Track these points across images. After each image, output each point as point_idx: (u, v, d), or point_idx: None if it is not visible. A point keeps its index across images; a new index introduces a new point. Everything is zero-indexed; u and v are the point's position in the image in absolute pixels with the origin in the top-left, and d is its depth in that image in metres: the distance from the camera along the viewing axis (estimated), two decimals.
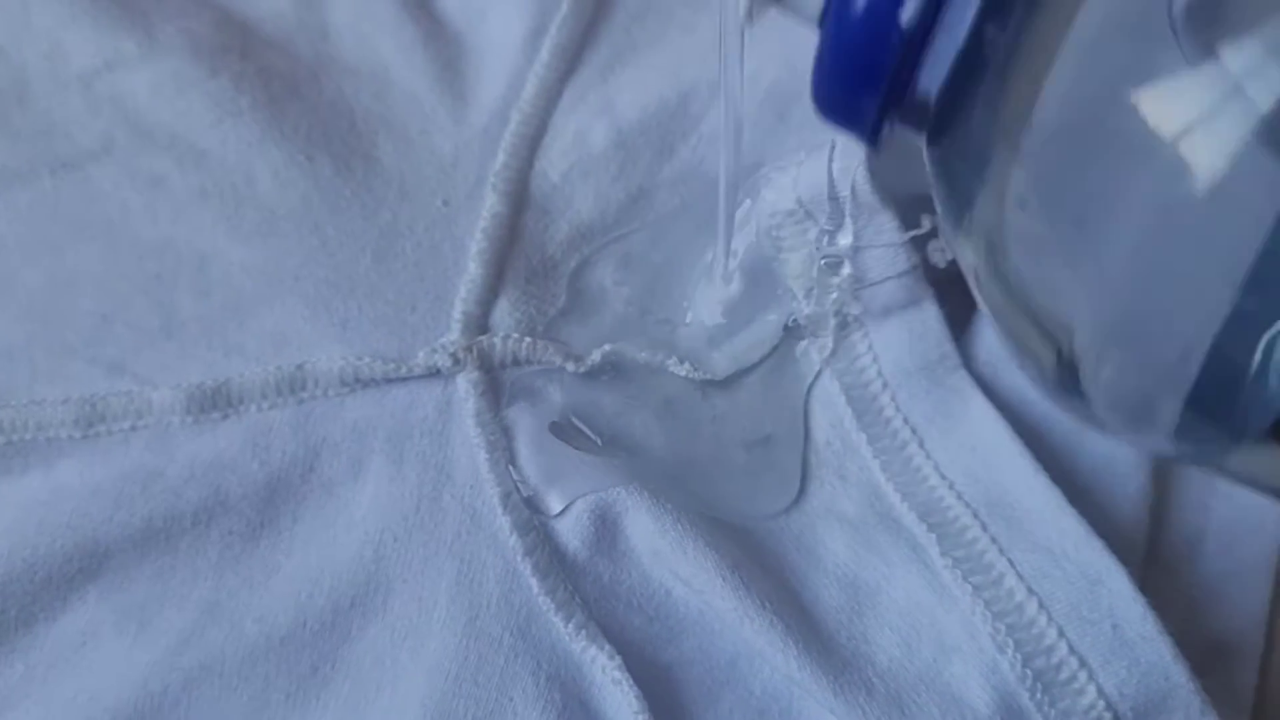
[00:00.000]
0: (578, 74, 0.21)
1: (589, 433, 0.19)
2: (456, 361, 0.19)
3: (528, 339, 0.19)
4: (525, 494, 0.18)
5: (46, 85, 0.20)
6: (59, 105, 0.20)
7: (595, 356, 0.19)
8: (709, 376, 0.20)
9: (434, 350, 0.19)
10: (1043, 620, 0.17)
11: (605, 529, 0.18)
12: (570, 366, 0.19)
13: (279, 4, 0.22)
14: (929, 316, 0.19)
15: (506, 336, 0.19)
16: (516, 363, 0.19)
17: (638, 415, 0.19)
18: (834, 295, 0.19)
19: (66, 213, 0.20)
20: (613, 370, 0.19)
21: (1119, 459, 0.19)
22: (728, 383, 0.20)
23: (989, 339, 0.20)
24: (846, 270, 0.19)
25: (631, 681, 0.16)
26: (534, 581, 0.17)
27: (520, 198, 0.20)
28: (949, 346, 0.19)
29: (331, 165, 0.20)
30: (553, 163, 0.21)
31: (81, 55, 0.20)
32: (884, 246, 0.19)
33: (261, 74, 0.21)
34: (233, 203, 0.20)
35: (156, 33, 0.21)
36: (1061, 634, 0.16)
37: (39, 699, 0.18)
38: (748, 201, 0.20)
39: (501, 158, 0.20)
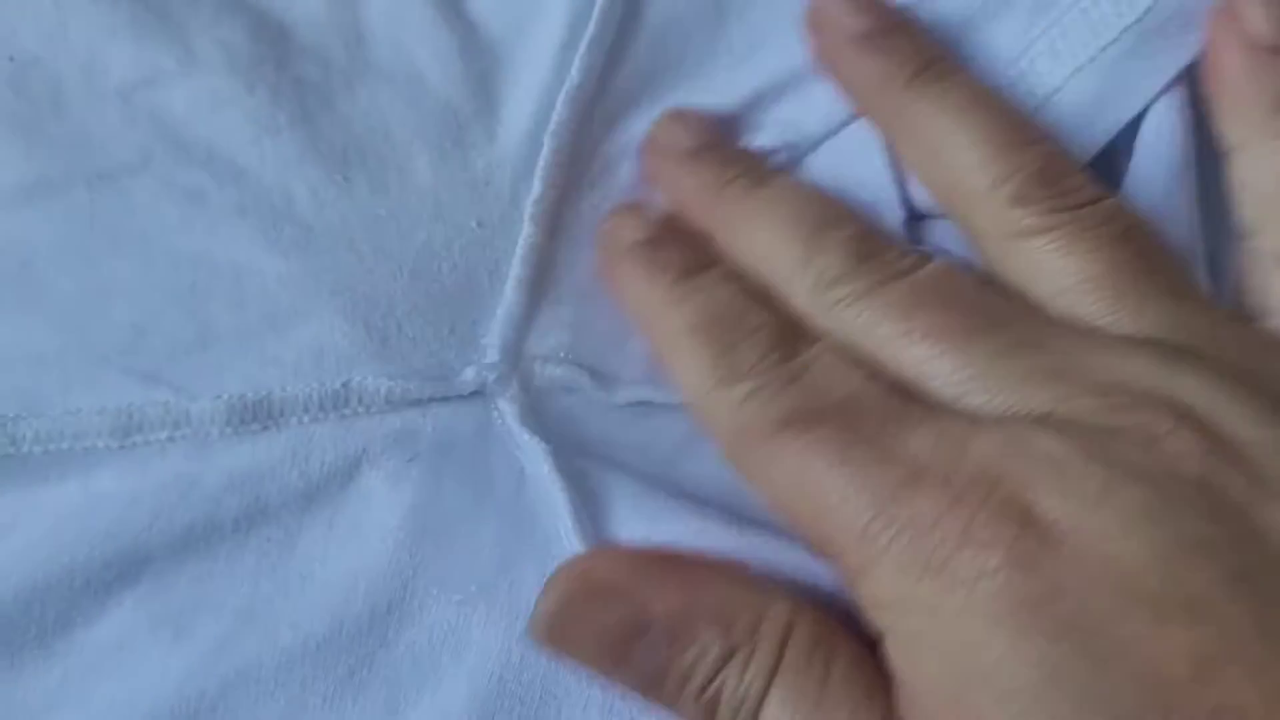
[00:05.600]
0: (606, 98, 0.23)
1: (621, 462, 0.21)
2: (500, 382, 0.21)
3: (566, 367, 0.21)
4: (578, 491, 0.20)
5: (83, 97, 0.22)
6: (96, 117, 0.22)
7: (625, 395, 0.21)
8: None
9: (480, 370, 0.21)
10: None
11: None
12: (603, 397, 0.21)
13: (313, 5, 0.23)
14: None
15: (546, 361, 0.21)
16: (554, 388, 0.21)
17: (663, 450, 0.21)
18: None
19: (102, 224, 0.21)
20: (645, 405, 0.22)
21: None
22: None
23: None
24: None
25: None
26: None
27: (556, 225, 0.22)
28: None
29: (368, 184, 0.22)
30: (583, 192, 0.23)
31: (120, 69, 0.22)
32: None
33: (297, 86, 0.22)
34: (270, 219, 0.21)
35: (194, 46, 0.22)
36: None
37: (76, 703, 0.19)
38: None
39: (539, 187, 0.22)
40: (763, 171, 0.22)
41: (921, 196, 0.22)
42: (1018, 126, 0.20)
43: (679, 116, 0.23)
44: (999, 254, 0.20)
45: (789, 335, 0.19)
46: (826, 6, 0.22)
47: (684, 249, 0.21)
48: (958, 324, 0.18)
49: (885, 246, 0.20)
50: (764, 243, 0.20)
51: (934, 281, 0.19)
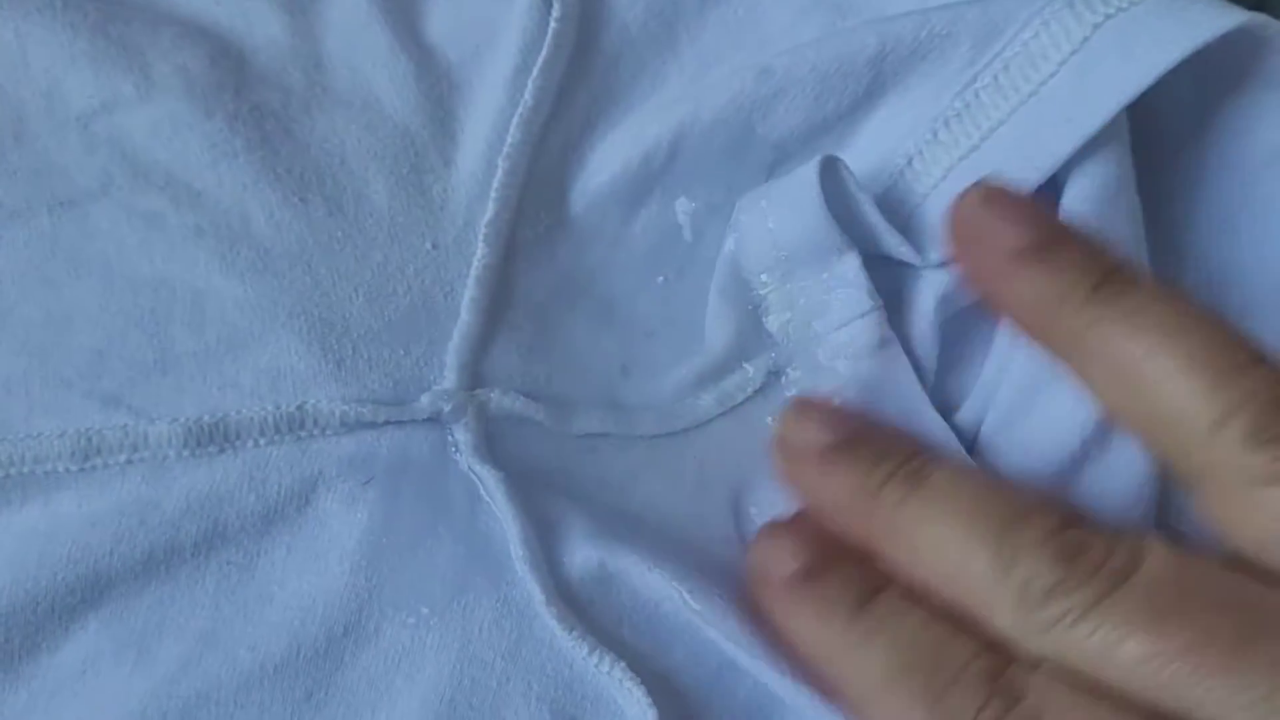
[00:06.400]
0: (559, 121, 0.23)
1: (576, 491, 0.21)
2: (455, 412, 0.21)
3: (521, 397, 0.21)
4: (531, 520, 0.20)
5: (44, 124, 0.22)
6: (57, 145, 0.22)
7: (580, 426, 0.22)
8: (689, 424, 0.22)
9: (435, 397, 0.21)
10: None
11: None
12: (557, 427, 0.21)
13: (273, 31, 0.23)
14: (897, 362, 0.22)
15: (504, 392, 0.21)
16: (509, 418, 0.21)
17: (615, 480, 0.21)
18: (812, 334, 0.22)
19: (64, 250, 0.22)
20: (600, 436, 0.22)
21: None
22: (710, 428, 0.22)
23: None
24: (830, 312, 0.21)
25: (638, 680, 0.19)
26: (541, 595, 0.20)
27: (511, 247, 0.22)
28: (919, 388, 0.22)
29: (324, 207, 0.22)
30: (538, 214, 0.23)
31: (80, 96, 0.22)
32: (848, 288, 0.22)
33: (255, 112, 0.23)
34: (228, 241, 0.22)
35: (153, 72, 0.22)
36: None
37: None
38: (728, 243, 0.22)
39: (492, 208, 0.22)
40: (919, 462, 0.19)
41: (893, 243, 0.21)
42: (1232, 344, 0.17)
43: (805, 409, 0.20)
44: (1228, 504, 0.17)
45: (1001, 666, 0.17)
46: (978, 219, 0.18)
47: (847, 574, 0.19)
48: (1220, 633, 0.16)
49: (1090, 536, 0.17)
50: (941, 553, 0.18)
51: (1169, 578, 0.16)
